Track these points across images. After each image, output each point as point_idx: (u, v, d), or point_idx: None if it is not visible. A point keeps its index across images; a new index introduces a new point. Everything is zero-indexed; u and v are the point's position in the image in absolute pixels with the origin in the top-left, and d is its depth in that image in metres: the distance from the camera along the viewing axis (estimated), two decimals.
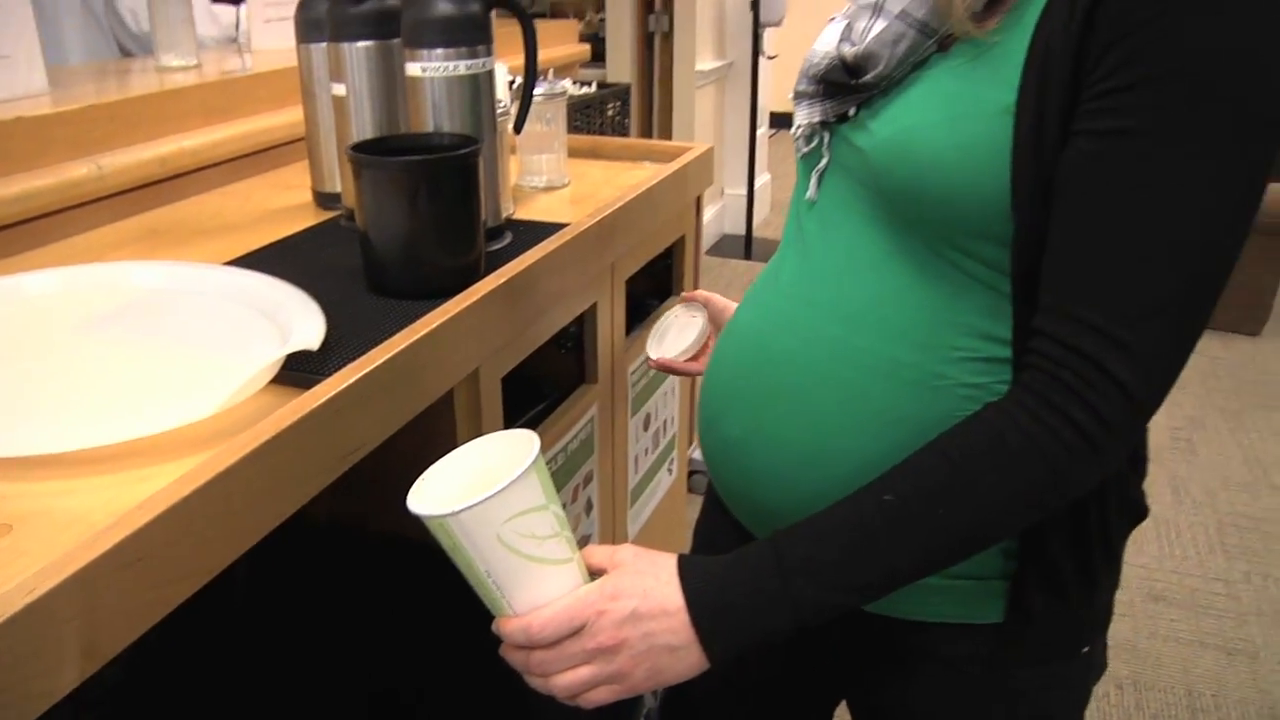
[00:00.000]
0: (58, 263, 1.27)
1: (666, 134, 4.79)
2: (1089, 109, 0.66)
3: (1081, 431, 0.67)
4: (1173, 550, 2.77)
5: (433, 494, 0.72)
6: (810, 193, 0.85)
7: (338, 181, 1.45)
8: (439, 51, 1.17)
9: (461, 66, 1.18)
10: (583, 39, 4.69)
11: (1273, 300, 4.41)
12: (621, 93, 2.44)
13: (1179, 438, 3.41)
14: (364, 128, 1.30)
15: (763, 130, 5.42)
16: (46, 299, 1.06)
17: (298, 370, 0.86)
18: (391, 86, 1.29)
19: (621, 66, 4.82)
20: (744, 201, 5.16)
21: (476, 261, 1.10)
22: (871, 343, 0.79)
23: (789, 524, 0.74)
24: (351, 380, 0.84)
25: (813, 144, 0.85)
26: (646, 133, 4.80)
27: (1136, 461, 0.83)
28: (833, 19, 0.84)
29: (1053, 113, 0.67)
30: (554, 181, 1.55)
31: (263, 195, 1.58)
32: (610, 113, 2.41)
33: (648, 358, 1.18)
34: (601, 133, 2.35)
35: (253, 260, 1.21)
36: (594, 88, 2.39)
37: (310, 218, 1.44)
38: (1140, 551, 2.73)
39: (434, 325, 0.96)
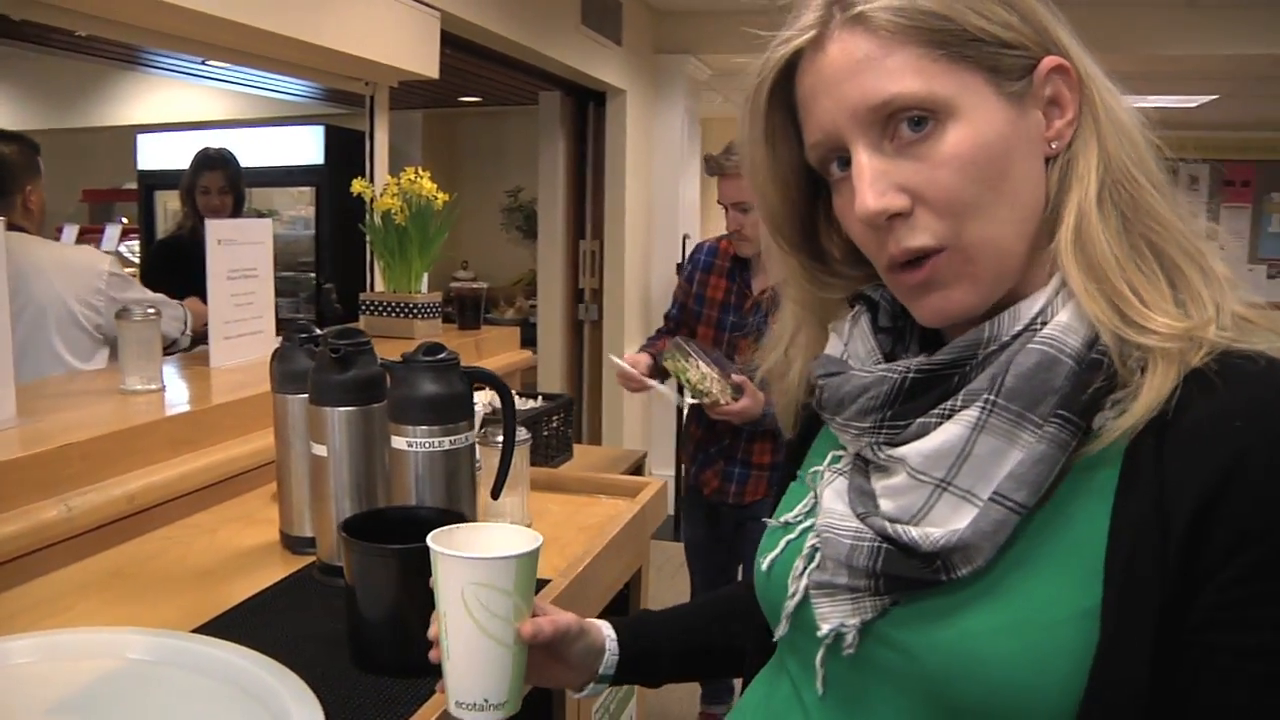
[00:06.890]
0: (23, 608, 1.28)
1: (596, 419, 4.93)
2: (1216, 618, 0.61)
3: None
4: None
5: (456, 539, 0.86)
6: (819, 688, 0.77)
7: (307, 526, 1.49)
8: (423, 429, 1.25)
9: (446, 442, 1.25)
10: (513, 323, 4.89)
11: None
12: (565, 404, 2.55)
13: None
14: (342, 486, 1.35)
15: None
16: (29, 668, 1.06)
17: None
18: (370, 449, 1.35)
19: (552, 352, 5.00)
20: (671, 483, 5.27)
21: None
22: None
23: None
24: None
25: (824, 637, 0.74)
26: (577, 421, 4.94)
27: None
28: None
29: (1145, 614, 0.61)
30: (518, 524, 1.60)
31: (229, 531, 1.61)
32: (555, 424, 2.51)
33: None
34: (547, 443, 2.44)
35: (230, 621, 1.23)
36: (539, 401, 2.50)
37: (279, 561, 1.46)
38: None
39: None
